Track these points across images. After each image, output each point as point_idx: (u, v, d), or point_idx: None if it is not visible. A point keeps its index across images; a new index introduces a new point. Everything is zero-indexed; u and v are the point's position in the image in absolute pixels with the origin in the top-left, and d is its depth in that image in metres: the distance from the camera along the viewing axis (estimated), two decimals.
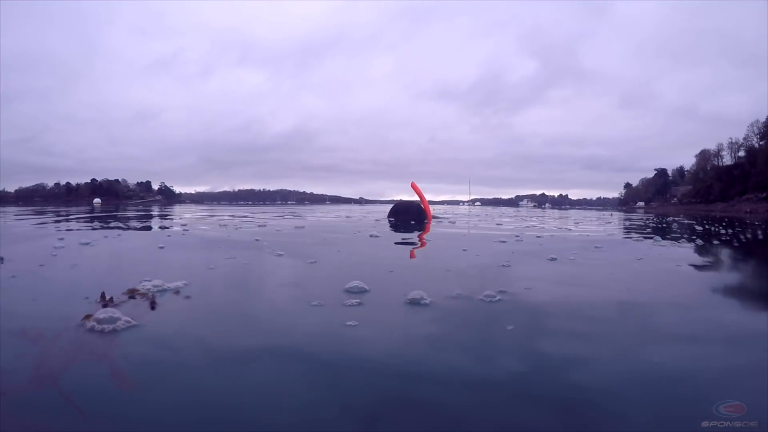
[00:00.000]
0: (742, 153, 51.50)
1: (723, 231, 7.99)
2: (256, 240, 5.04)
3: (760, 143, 47.36)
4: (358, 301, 2.04)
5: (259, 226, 7.95)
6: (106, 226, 7.67)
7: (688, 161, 61.41)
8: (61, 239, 4.92)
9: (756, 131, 48.73)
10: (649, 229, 8.46)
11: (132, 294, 2.14)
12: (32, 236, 5.72)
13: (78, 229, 6.89)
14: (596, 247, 4.69)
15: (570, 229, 7.78)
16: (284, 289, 2.52)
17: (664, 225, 10.49)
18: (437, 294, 2.16)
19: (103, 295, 2.00)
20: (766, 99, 62.54)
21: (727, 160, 54.04)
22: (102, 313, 1.60)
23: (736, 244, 5.91)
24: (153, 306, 1.95)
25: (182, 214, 14.97)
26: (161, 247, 4.25)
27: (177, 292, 2.22)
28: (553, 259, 3.56)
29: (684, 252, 4.62)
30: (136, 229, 7.70)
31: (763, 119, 47.70)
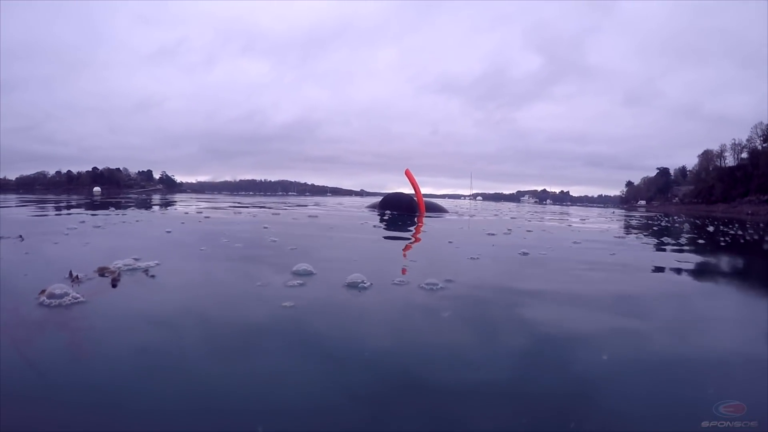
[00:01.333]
0: (745, 155, 51.32)
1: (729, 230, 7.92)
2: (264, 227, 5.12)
3: (764, 145, 47.15)
4: (301, 282, 2.12)
5: (273, 214, 8.35)
6: (115, 211, 7.78)
7: (691, 161, 61.30)
8: (82, 222, 5.13)
9: (759, 133, 48.55)
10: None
11: (102, 272, 2.16)
12: (46, 219, 5.92)
13: (92, 214, 7.06)
14: (575, 242, 4.69)
15: (570, 225, 7.81)
16: (248, 271, 2.55)
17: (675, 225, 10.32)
18: (379, 279, 2.18)
19: (70, 273, 2.03)
20: None
21: (729, 161, 53.90)
22: (56, 288, 1.63)
23: (739, 243, 5.83)
24: (114, 284, 1.97)
25: (190, 202, 15.02)
26: (168, 232, 4.31)
27: (146, 271, 2.24)
28: (525, 254, 3.55)
29: (674, 247, 4.62)
30: (150, 214, 7.86)
31: (766, 121, 47.54)
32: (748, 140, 50.97)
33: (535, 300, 2.12)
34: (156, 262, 2.37)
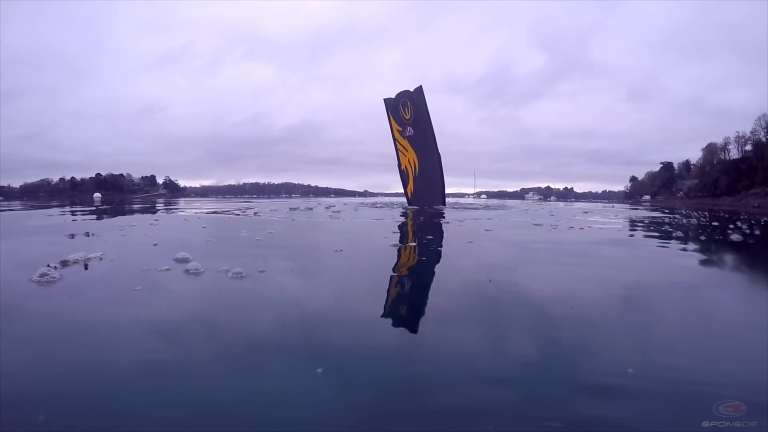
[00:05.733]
0: (749, 147, 50.75)
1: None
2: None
3: (767, 137, 46.72)
4: (168, 268, 2.62)
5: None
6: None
7: (695, 155, 60.53)
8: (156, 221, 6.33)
9: (763, 125, 47.94)
10: None
11: (64, 263, 2.46)
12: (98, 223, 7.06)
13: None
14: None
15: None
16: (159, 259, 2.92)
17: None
18: (211, 266, 2.60)
19: (48, 265, 2.32)
20: None
21: (734, 153, 53.29)
22: (43, 270, 2.33)
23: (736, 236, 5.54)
24: (86, 267, 2.70)
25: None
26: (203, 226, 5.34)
27: (101, 258, 2.95)
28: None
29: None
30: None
31: None
32: (752, 132, 50.42)
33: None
34: (101, 253, 3.03)
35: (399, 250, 3.70)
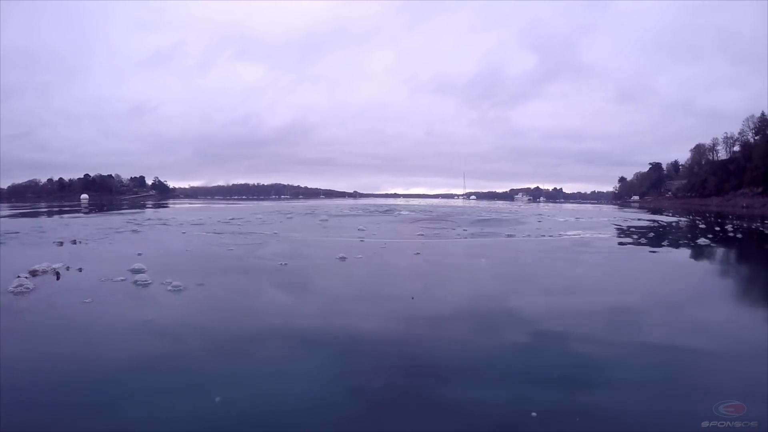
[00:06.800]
0: (737, 148, 51.50)
1: None
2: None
3: (756, 138, 47.41)
4: (123, 279, 2.76)
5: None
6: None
7: (683, 156, 61.36)
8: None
9: (751, 126, 48.68)
10: None
11: (33, 273, 2.39)
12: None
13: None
14: None
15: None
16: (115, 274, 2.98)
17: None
18: (159, 275, 2.75)
19: (18, 276, 2.77)
20: (762, 95, 62.19)
21: (722, 154, 54.03)
22: (16, 282, 2.49)
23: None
24: (58, 277, 2.84)
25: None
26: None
27: (68, 268, 3.12)
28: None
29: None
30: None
31: (758, 114, 47.74)
32: (740, 133, 51.14)
33: None
34: (64, 263, 3.18)
35: None
